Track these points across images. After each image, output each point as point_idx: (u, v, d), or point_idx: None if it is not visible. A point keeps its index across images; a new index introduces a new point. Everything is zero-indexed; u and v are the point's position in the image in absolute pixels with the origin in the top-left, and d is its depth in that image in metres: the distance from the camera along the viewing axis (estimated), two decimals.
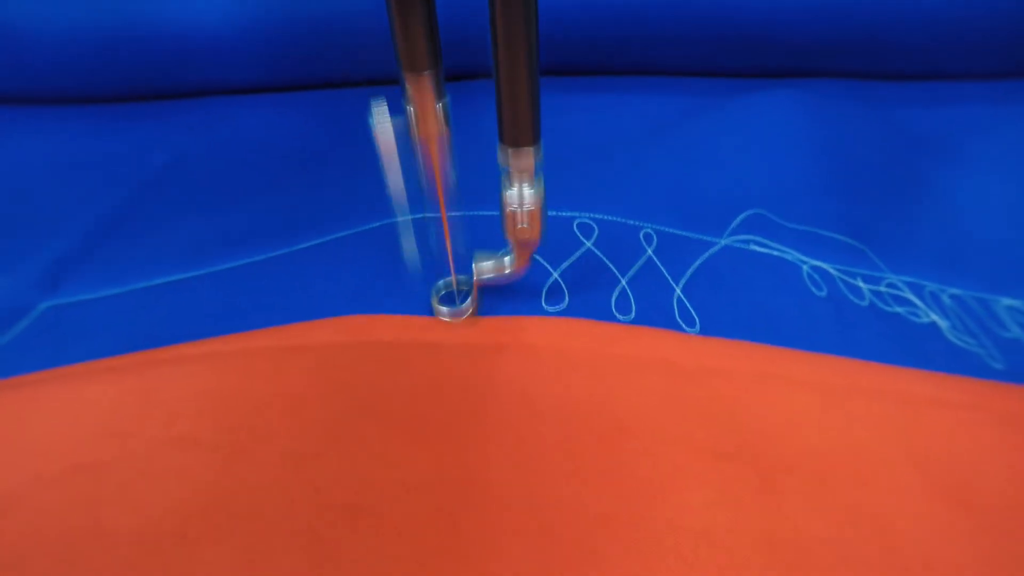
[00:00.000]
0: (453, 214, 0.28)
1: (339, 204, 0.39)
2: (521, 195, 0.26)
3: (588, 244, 0.35)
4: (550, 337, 0.29)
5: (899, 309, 0.34)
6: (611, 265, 0.34)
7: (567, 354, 0.28)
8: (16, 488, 0.25)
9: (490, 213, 0.32)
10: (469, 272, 0.30)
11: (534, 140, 0.24)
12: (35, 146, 0.48)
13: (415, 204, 0.28)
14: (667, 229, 0.37)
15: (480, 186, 0.28)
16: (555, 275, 0.33)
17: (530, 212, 0.26)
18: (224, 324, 0.32)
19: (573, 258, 0.34)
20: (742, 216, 0.37)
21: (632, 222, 0.37)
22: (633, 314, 0.31)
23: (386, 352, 0.29)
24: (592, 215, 0.37)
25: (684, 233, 0.37)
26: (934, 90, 0.51)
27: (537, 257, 0.34)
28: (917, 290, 0.35)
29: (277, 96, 0.50)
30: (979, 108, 0.49)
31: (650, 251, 0.35)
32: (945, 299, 0.35)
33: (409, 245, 0.31)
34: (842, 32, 0.48)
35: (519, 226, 0.27)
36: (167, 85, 0.49)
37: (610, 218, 0.37)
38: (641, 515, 0.22)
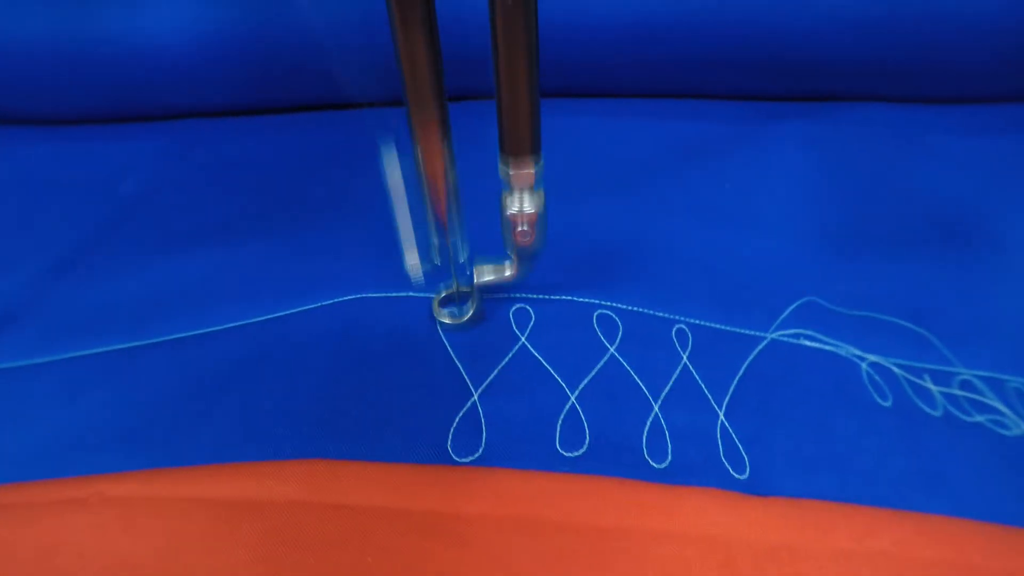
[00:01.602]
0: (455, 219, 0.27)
1: (322, 249, 0.35)
2: (521, 206, 0.26)
3: (612, 350, 0.29)
4: (572, 508, 0.23)
5: (980, 418, 0.29)
6: (640, 381, 0.28)
7: (595, 534, 0.22)
8: None
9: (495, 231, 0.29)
10: (470, 276, 0.30)
11: (534, 151, 0.24)
12: None
13: (415, 204, 0.27)
14: (704, 323, 0.31)
15: (483, 200, 0.27)
16: (572, 399, 0.27)
17: (530, 224, 0.26)
18: (174, 418, 0.28)
19: (594, 371, 0.29)
20: (793, 306, 0.32)
21: (662, 314, 0.31)
22: (670, 458, 0.26)
23: (352, 520, 0.23)
24: (614, 304, 0.31)
25: (723, 327, 0.31)
26: (993, 114, 0.45)
27: (551, 371, 0.28)
28: (998, 389, 0.30)
29: (252, 119, 0.47)
30: None
31: (685, 357, 0.30)
32: None
33: (412, 260, 0.30)
34: (884, 53, 0.42)
35: (520, 240, 0.27)
36: (138, 107, 0.46)
37: (636, 309, 0.31)
38: None
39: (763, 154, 0.42)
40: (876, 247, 0.36)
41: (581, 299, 0.31)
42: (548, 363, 0.29)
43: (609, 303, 0.31)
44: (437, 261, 0.29)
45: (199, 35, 0.42)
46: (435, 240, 0.28)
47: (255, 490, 0.24)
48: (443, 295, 0.32)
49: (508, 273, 0.30)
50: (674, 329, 0.31)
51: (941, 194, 0.39)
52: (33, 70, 0.43)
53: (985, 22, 0.40)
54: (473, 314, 0.31)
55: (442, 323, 0.31)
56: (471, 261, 0.30)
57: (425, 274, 0.30)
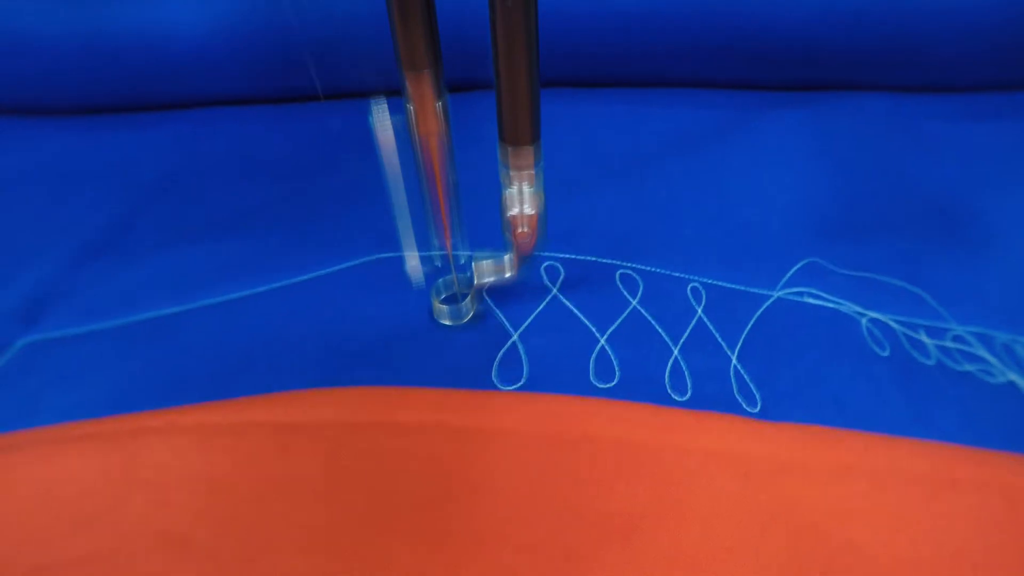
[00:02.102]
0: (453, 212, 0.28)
1: (334, 229, 0.37)
2: (521, 195, 0.26)
3: (634, 303, 0.32)
4: (608, 426, 0.26)
5: (970, 367, 0.32)
6: (660, 329, 0.31)
7: (628, 448, 0.25)
8: None
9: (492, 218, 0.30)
10: (470, 272, 0.30)
11: (533, 139, 0.24)
12: (14, 160, 0.46)
13: (415, 204, 0.27)
14: (715, 282, 0.34)
15: (482, 192, 0.27)
16: (602, 341, 0.30)
17: (530, 214, 0.26)
18: (215, 366, 0.30)
19: (620, 320, 0.31)
20: (797, 266, 0.35)
21: (678, 274, 0.34)
22: (689, 393, 0.29)
23: (402, 438, 0.26)
24: (635, 266, 0.34)
25: (733, 286, 0.34)
26: (985, 102, 0.47)
27: (582, 318, 0.31)
28: (987, 343, 0.33)
29: (265, 108, 0.48)
30: None
31: (700, 310, 0.32)
32: (1020, 351, 0.32)
33: (412, 260, 0.31)
34: (880, 43, 0.45)
35: (519, 229, 0.26)
36: (154, 96, 0.48)
37: (654, 270, 0.34)
38: None
39: (764, 138, 0.44)
40: (873, 221, 0.38)
41: (605, 260, 0.34)
42: (578, 311, 0.31)
43: (630, 264, 0.34)
44: (438, 263, 0.31)
45: (215, 25, 0.43)
46: (435, 238, 0.28)
47: (311, 413, 0.27)
48: (443, 295, 0.32)
49: (508, 274, 0.30)
50: (689, 287, 0.34)
51: (935, 176, 0.41)
52: (56, 63, 0.44)
53: (981, 11, 0.42)
54: (474, 315, 0.31)
55: (441, 320, 0.31)
56: (471, 260, 0.30)
57: (425, 275, 0.32)
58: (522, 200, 0.26)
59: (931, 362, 0.32)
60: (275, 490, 0.25)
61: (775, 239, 0.37)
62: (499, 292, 0.33)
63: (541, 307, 0.32)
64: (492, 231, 0.29)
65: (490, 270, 0.30)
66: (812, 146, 0.43)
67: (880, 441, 0.26)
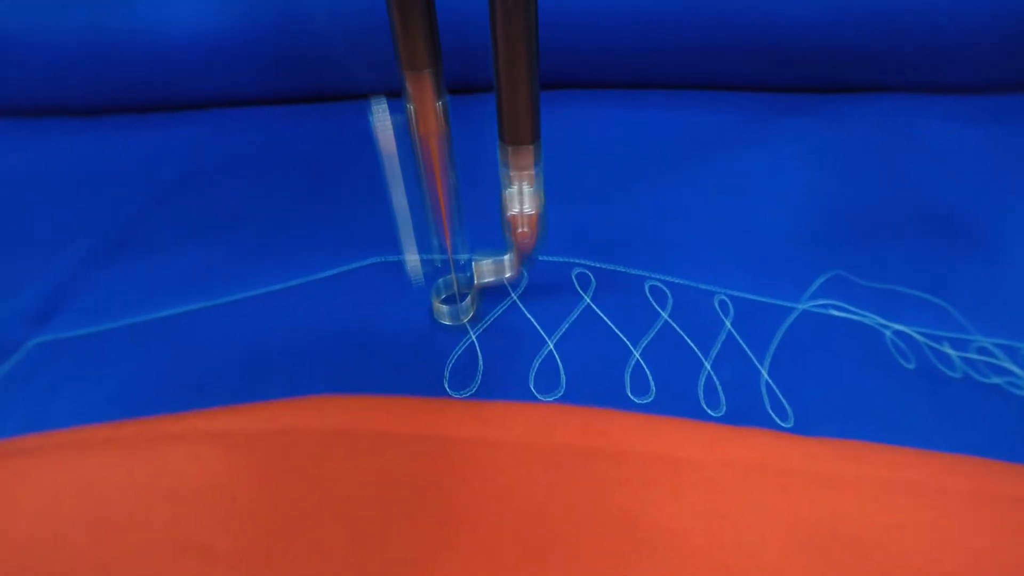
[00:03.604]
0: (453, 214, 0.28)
1: (348, 229, 0.37)
2: (521, 195, 0.25)
3: (665, 316, 0.32)
4: (652, 441, 0.26)
5: (997, 380, 0.32)
6: (692, 343, 0.31)
7: (672, 463, 0.25)
8: None
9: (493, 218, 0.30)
10: (470, 272, 0.30)
11: (534, 138, 0.24)
12: (27, 161, 0.45)
13: (415, 205, 0.27)
14: (741, 294, 0.34)
15: (482, 192, 0.27)
16: (636, 355, 0.30)
17: (530, 214, 0.26)
18: (227, 365, 0.30)
19: (652, 333, 0.31)
20: (821, 279, 0.35)
21: (704, 286, 0.34)
22: (724, 408, 0.29)
23: (444, 450, 0.26)
24: (663, 277, 0.34)
25: (759, 298, 0.34)
26: (1002, 105, 0.47)
27: (616, 330, 0.31)
28: (1012, 354, 0.33)
29: (278, 109, 0.48)
30: None
31: (728, 323, 0.32)
32: None
33: (412, 259, 0.31)
34: (897, 44, 0.45)
35: (519, 229, 0.26)
36: (165, 98, 0.48)
37: (682, 282, 0.34)
38: None
39: (780, 143, 0.44)
40: (893, 228, 0.39)
41: (634, 271, 0.34)
42: (611, 322, 0.31)
43: (658, 276, 0.34)
44: (438, 263, 0.31)
45: (227, 27, 0.44)
46: (435, 238, 0.28)
47: (339, 420, 0.27)
48: (443, 295, 0.32)
49: (508, 274, 0.30)
50: (716, 300, 0.34)
51: (953, 182, 0.41)
52: (69, 64, 0.45)
53: (998, 11, 0.43)
54: (474, 315, 0.31)
55: (440, 321, 0.31)
56: (471, 260, 0.30)
57: (425, 275, 0.32)
58: (522, 200, 0.26)
59: (957, 375, 0.32)
60: (299, 499, 0.25)
61: (797, 249, 0.37)
62: (531, 298, 0.33)
63: (575, 316, 0.32)
64: (492, 231, 0.29)
65: (490, 270, 0.30)
66: (828, 151, 0.44)
67: (917, 456, 0.26)
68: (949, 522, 0.24)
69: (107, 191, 0.42)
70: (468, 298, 0.31)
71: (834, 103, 0.47)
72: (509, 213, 0.26)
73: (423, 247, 0.31)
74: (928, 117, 0.46)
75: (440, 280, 0.32)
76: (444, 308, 0.31)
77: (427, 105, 0.24)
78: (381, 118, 0.24)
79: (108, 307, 0.34)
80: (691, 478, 0.24)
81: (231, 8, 0.43)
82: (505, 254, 0.30)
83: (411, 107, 0.24)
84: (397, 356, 0.30)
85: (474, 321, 0.31)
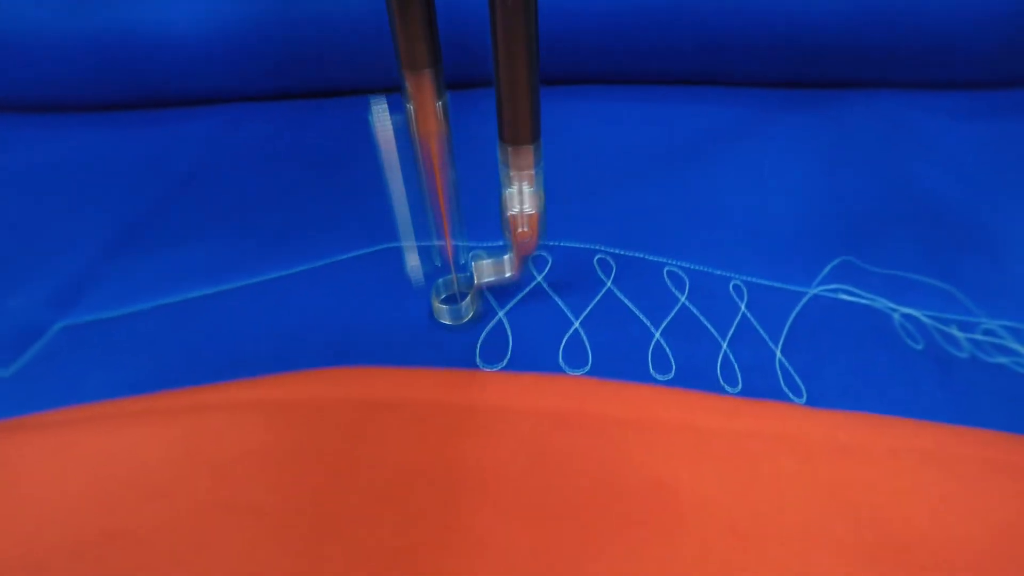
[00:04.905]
0: (452, 213, 0.28)
1: (357, 217, 0.39)
2: (521, 195, 0.26)
3: (683, 299, 0.34)
4: (675, 412, 0.27)
5: (1003, 359, 0.33)
6: (708, 325, 0.33)
7: (695, 432, 0.26)
8: (39, 557, 0.22)
9: (493, 217, 0.31)
10: (469, 272, 0.30)
11: (534, 138, 0.24)
12: (48, 153, 0.47)
13: (415, 203, 0.27)
14: (755, 280, 0.35)
15: (482, 191, 0.27)
16: (657, 335, 0.32)
17: (530, 213, 0.26)
18: (250, 345, 0.31)
19: (672, 315, 0.33)
20: (830, 265, 0.36)
21: (719, 272, 0.35)
22: (740, 385, 0.30)
23: (484, 417, 0.27)
24: (680, 263, 0.35)
25: (771, 283, 0.35)
26: (1009, 99, 0.49)
27: (637, 312, 0.33)
28: (1018, 335, 0.34)
29: (290, 104, 0.50)
30: None
31: (743, 307, 0.34)
32: None
33: (412, 259, 0.30)
34: (901, 39, 0.46)
35: (519, 229, 0.26)
36: (180, 93, 0.49)
37: (698, 268, 0.35)
38: None
39: (789, 136, 0.45)
40: (899, 217, 0.40)
41: (652, 257, 0.35)
42: (632, 304, 0.33)
43: (676, 262, 0.36)
44: (438, 263, 0.30)
45: (238, 23, 0.45)
46: (435, 238, 0.28)
47: (369, 390, 0.28)
48: (443, 295, 0.32)
49: (508, 274, 0.30)
50: (731, 285, 0.35)
51: (955, 173, 0.43)
52: (88, 62, 0.46)
53: (993, 11, 0.44)
54: (474, 315, 0.31)
55: (441, 321, 0.31)
56: (471, 260, 0.31)
57: (426, 275, 0.32)
58: (522, 200, 0.26)
59: (964, 355, 0.33)
60: (339, 461, 0.26)
61: (806, 237, 0.38)
62: (556, 281, 0.34)
63: (598, 298, 0.33)
64: (492, 230, 0.30)
65: (490, 270, 0.30)
66: (833, 144, 0.45)
67: (927, 427, 0.28)
68: (957, 487, 0.25)
69: (125, 183, 0.44)
70: (468, 298, 0.31)
71: (838, 98, 0.48)
72: (509, 213, 0.26)
73: (423, 246, 0.31)
74: (928, 112, 0.47)
75: (440, 280, 0.32)
76: (444, 308, 0.31)
77: (427, 105, 0.24)
78: (381, 118, 0.24)
79: (130, 292, 0.36)
80: (714, 446, 0.26)
81: (243, 6, 0.45)
82: (505, 254, 0.30)
83: (411, 107, 0.24)
84: (427, 333, 0.31)
85: (478, 318, 0.32)
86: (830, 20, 0.45)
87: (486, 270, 0.30)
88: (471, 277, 0.31)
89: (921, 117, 0.47)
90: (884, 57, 0.47)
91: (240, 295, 0.34)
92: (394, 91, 0.25)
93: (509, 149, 0.24)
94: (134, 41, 0.45)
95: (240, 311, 0.34)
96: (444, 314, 0.31)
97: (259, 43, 0.46)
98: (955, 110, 0.47)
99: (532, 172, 0.25)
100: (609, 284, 0.34)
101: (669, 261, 0.35)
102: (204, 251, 0.38)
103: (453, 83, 0.25)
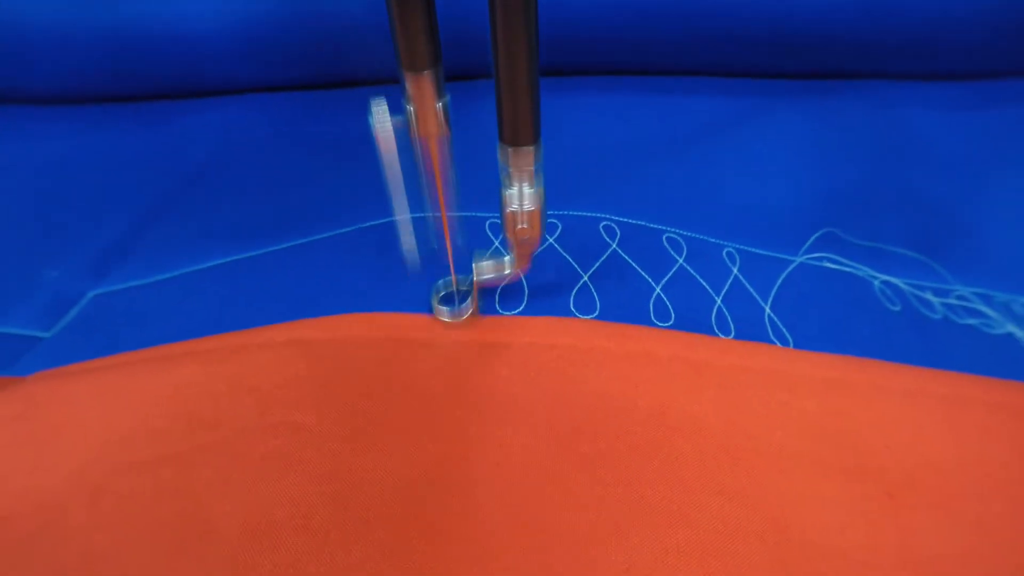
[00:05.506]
0: (453, 214, 0.28)
1: (369, 193, 0.38)
2: (521, 195, 0.26)
3: (680, 261, 0.36)
4: (671, 347, 0.30)
5: (972, 321, 0.36)
6: (705, 284, 0.35)
7: (689, 364, 0.29)
8: (100, 478, 0.24)
9: (491, 214, 0.33)
10: (469, 271, 0.30)
11: (534, 139, 0.24)
12: (77, 144, 0.49)
13: (415, 203, 0.27)
14: (746, 248, 0.38)
15: (481, 187, 0.28)
16: (657, 289, 0.34)
17: (530, 212, 0.26)
18: (274, 308, 0.32)
19: (670, 274, 0.36)
20: (815, 235, 0.39)
21: (714, 240, 0.38)
22: (733, 332, 0.33)
23: (504, 352, 0.29)
24: (678, 231, 0.38)
25: (762, 252, 0.38)
26: (989, 90, 0.51)
27: (639, 269, 0.35)
28: (987, 301, 0.37)
29: (308, 94, 0.51)
30: None
31: (735, 270, 0.36)
32: (1017, 308, 0.36)
33: (409, 245, 0.30)
34: (894, 31, 0.48)
35: (519, 226, 0.26)
36: (194, 84, 0.50)
37: (695, 235, 0.38)
38: (778, 534, 0.24)
39: (783, 124, 0.48)
40: (884, 198, 0.43)
41: (653, 225, 0.38)
42: (635, 264, 0.36)
43: (674, 229, 0.38)
44: (435, 245, 0.30)
45: (252, 16, 0.46)
46: (435, 238, 0.28)
47: (400, 331, 0.30)
48: (442, 293, 0.32)
49: (508, 272, 0.30)
50: (724, 251, 0.38)
51: (940, 161, 0.45)
52: (105, 54, 0.47)
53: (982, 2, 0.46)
54: (473, 313, 0.31)
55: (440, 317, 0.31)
56: (471, 259, 0.30)
57: (422, 259, 0.32)
58: (522, 200, 0.26)
59: (938, 316, 0.36)
60: (376, 388, 0.28)
61: (796, 213, 0.41)
62: (565, 242, 0.37)
63: (604, 257, 0.36)
64: (491, 230, 0.32)
65: (490, 270, 0.30)
66: (827, 130, 0.47)
67: (905, 369, 0.31)
68: (931, 419, 0.28)
69: (149, 168, 0.46)
70: (468, 298, 0.31)
71: (831, 88, 0.51)
72: (508, 210, 0.26)
73: (421, 242, 0.31)
74: (917, 102, 0.50)
75: (440, 280, 0.32)
76: (444, 308, 0.31)
77: (427, 106, 0.24)
78: (381, 119, 0.24)
79: (160, 261, 0.38)
80: (708, 376, 0.28)
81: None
82: (505, 253, 0.31)
83: (411, 108, 0.24)
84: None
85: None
86: (824, 16, 0.47)
87: (486, 269, 0.30)
88: (471, 276, 0.30)
89: (910, 107, 0.49)
90: (875, 49, 0.49)
91: (262, 261, 0.37)
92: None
93: (509, 150, 0.24)
94: (151, 35, 0.47)
95: (263, 275, 0.36)
96: (443, 314, 0.31)
97: (279, 34, 0.47)
98: (942, 100, 0.50)
99: (532, 171, 0.25)
100: (614, 246, 0.37)
101: (668, 228, 0.38)
102: (226, 224, 0.40)
103: (454, 76, 0.25)
